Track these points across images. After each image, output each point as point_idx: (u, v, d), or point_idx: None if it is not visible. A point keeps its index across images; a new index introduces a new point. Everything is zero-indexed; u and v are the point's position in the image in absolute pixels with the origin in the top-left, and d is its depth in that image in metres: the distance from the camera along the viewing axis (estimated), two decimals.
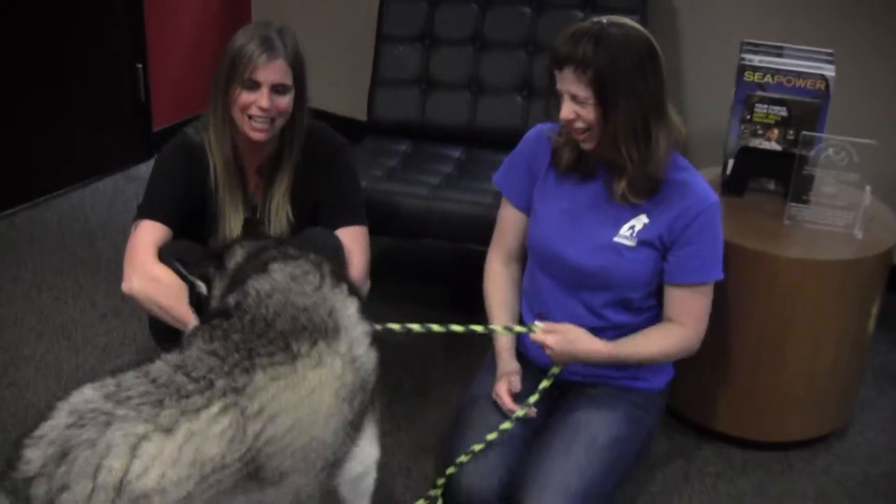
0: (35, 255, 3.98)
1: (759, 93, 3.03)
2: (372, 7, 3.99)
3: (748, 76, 3.04)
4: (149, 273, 2.70)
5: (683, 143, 2.55)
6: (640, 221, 2.53)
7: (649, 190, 2.49)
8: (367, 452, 2.26)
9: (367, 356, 2.16)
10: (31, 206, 4.32)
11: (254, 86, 2.67)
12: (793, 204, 2.99)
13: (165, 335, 2.70)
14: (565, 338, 2.49)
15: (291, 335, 2.03)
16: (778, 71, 3.02)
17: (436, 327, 2.50)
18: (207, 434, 1.83)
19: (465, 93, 3.81)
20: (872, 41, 3.73)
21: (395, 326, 2.49)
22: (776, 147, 3.07)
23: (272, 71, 2.67)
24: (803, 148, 2.96)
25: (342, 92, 4.63)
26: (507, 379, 2.63)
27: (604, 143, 2.45)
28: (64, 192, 4.44)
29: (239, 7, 4.94)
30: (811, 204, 2.99)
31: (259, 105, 2.68)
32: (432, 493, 2.63)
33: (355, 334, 2.13)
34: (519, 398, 2.61)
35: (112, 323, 3.56)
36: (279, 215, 2.85)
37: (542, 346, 2.51)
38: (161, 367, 1.90)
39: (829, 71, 3.00)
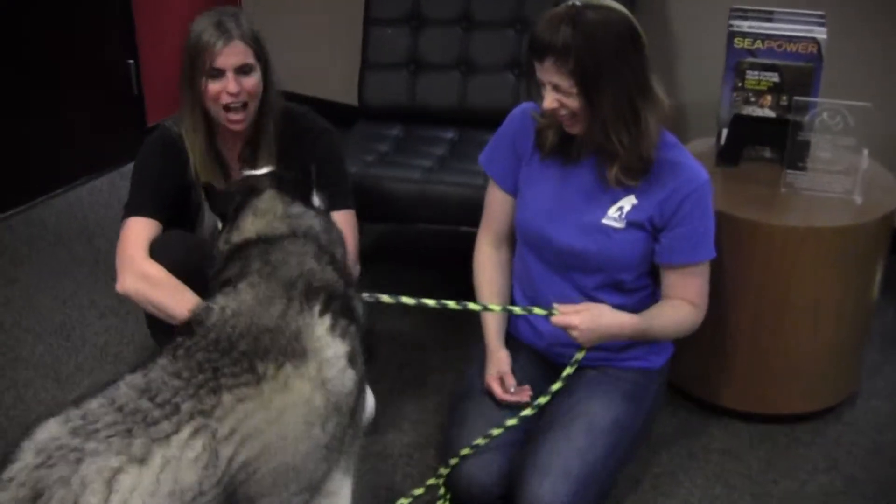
0: (33, 257, 3.96)
1: (750, 59, 2.97)
2: None
3: (738, 43, 2.97)
4: (141, 271, 2.70)
5: (670, 116, 2.49)
6: (629, 202, 2.48)
7: (642, 170, 2.44)
8: (337, 483, 2.16)
9: (341, 378, 2.05)
10: (27, 208, 4.29)
11: (218, 74, 2.68)
12: (789, 171, 2.93)
13: (163, 332, 2.70)
14: (590, 315, 2.45)
15: (256, 356, 1.94)
16: (768, 36, 2.95)
17: (452, 304, 2.49)
18: (182, 460, 1.76)
19: (455, 73, 3.76)
20: (864, 1, 3.65)
21: (386, 298, 2.47)
22: (770, 114, 3.00)
23: (231, 54, 2.67)
24: (797, 113, 2.90)
25: (335, 77, 4.60)
26: (498, 375, 2.59)
27: (593, 131, 2.40)
28: (61, 192, 4.41)
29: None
30: (808, 170, 2.93)
31: (228, 91, 2.69)
32: (432, 482, 2.60)
33: (326, 356, 2.03)
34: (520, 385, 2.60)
35: (111, 321, 3.54)
36: None
37: (565, 330, 2.46)
38: (125, 392, 1.82)
39: (820, 34, 2.93)
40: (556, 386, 2.55)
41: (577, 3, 2.33)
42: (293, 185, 2.35)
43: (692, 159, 2.50)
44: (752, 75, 2.97)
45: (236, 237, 2.25)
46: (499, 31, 3.76)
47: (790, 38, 2.93)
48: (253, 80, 2.72)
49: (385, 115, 3.80)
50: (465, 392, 2.69)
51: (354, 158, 3.45)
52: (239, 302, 2.05)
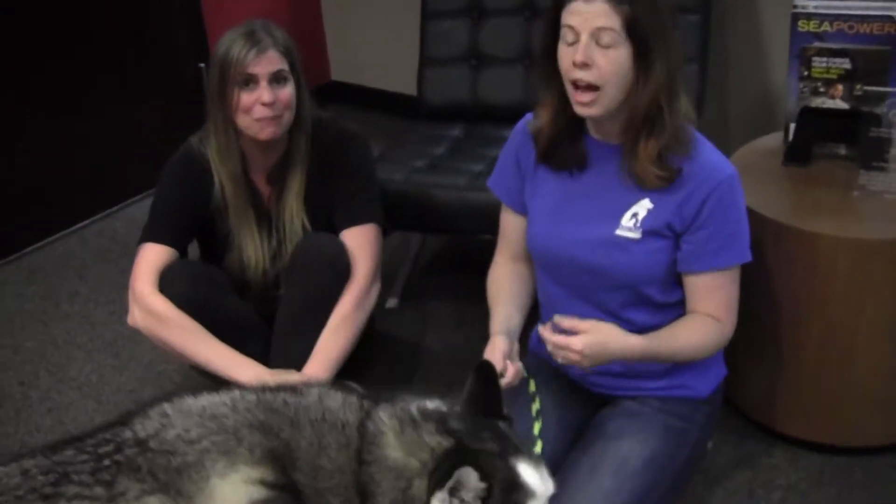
0: (97, 269, 3.93)
1: (817, 44, 2.62)
2: None
3: (802, 25, 2.64)
4: (147, 306, 2.62)
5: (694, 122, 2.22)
6: (644, 208, 2.20)
7: (672, 170, 2.15)
8: None
9: None
10: (102, 218, 4.29)
11: (251, 81, 2.54)
12: (863, 171, 2.57)
13: None
14: (594, 339, 2.13)
15: (127, 471, 1.69)
16: (837, 16, 2.61)
17: None
18: None
19: (519, 67, 3.50)
20: None
21: None
22: (842, 105, 2.66)
23: (265, 62, 2.54)
24: (871, 105, 2.54)
25: (405, 70, 4.44)
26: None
27: (638, 99, 2.10)
28: (136, 200, 4.38)
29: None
30: (886, 170, 2.56)
31: (262, 101, 2.54)
32: None
33: None
34: (553, 411, 2.36)
35: None
36: (294, 224, 2.71)
37: (564, 351, 2.16)
38: None
39: None
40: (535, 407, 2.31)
41: None
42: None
43: (715, 153, 2.21)
44: (819, 62, 2.64)
45: None
46: None
47: (863, 18, 2.59)
48: (287, 91, 2.58)
49: (446, 113, 3.60)
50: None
51: (403, 164, 3.28)
52: (182, 413, 1.78)
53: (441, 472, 1.63)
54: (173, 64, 4.43)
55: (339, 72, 5.01)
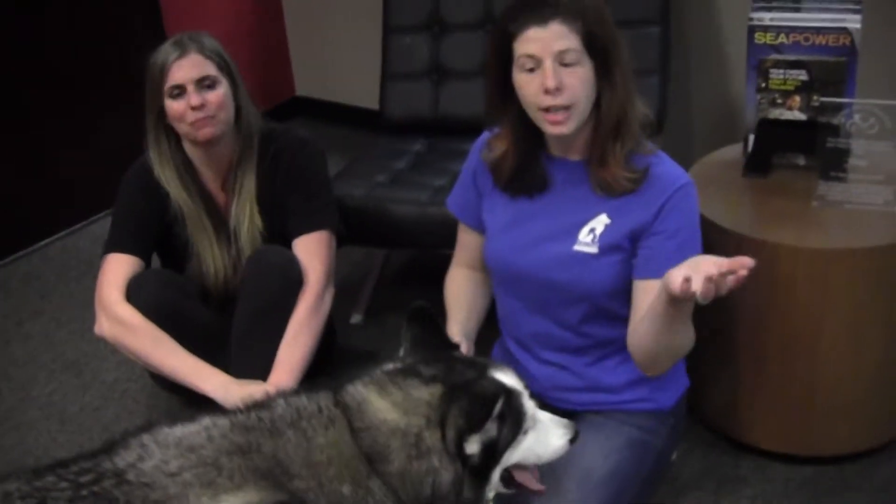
0: (61, 288, 3.90)
1: (774, 56, 2.63)
2: None
3: (759, 38, 2.65)
4: (115, 315, 2.62)
5: (650, 125, 2.23)
6: (601, 223, 2.21)
7: (638, 177, 2.17)
8: None
9: None
10: (65, 236, 4.25)
11: (179, 91, 2.54)
12: (822, 182, 2.58)
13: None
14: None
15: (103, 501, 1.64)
16: (793, 29, 2.62)
17: None
18: None
19: (481, 80, 3.48)
20: None
21: None
22: (800, 116, 2.67)
23: (189, 67, 2.54)
24: (828, 115, 2.56)
25: (370, 84, 4.45)
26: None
27: (605, 111, 2.13)
28: (100, 217, 4.33)
29: (269, 6, 4.77)
30: (844, 180, 2.58)
31: (191, 104, 2.54)
32: None
33: None
34: None
35: (123, 356, 3.35)
36: (251, 230, 2.71)
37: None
38: None
39: (853, 23, 2.58)
40: None
41: None
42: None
43: (671, 165, 2.22)
44: (776, 74, 2.65)
45: None
46: None
47: (818, 30, 2.60)
48: (218, 93, 2.58)
49: (408, 127, 3.59)
50: None
51: (365, 179, 3.27)
52: (166, 446, 1.74)
53: (466, 418, 1.69)
54: (135, 83, 4.39)
55: (304, 87, 5.00)
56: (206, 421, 1.72)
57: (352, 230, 2.98)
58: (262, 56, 4.80)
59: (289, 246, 2.70)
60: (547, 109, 2.11)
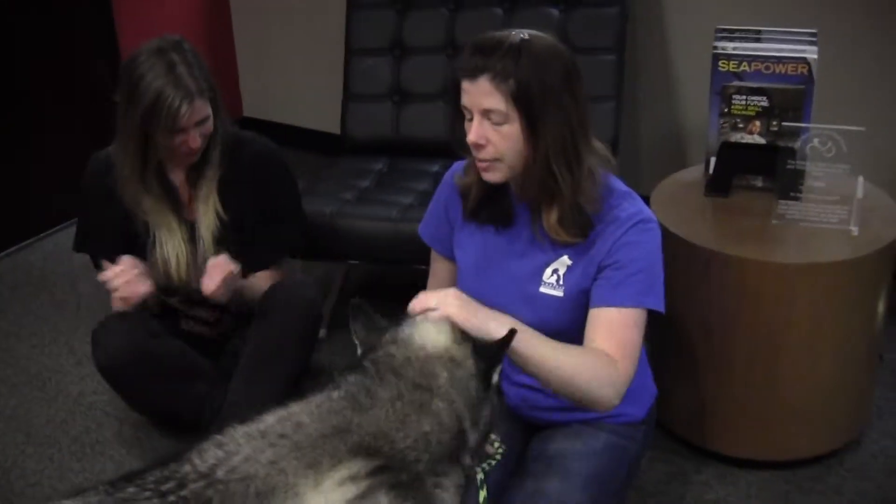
0: (16, 302, 3.88)
1: (736, 83, 2.79)
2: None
3: (722, 66, 2.80)
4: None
5: (613, 164, 2.24)
6: (563, 264, 2.23)
7: (581, 227, 2.17)
8: None
9: None
10: (16, 251, 4.23)
11: (179, 130, 2.60)
12: (781, 201, 2.74)
13: None
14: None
15: None
16: (755, 57, 2.78)
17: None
18: None
19: (440, 102, 3.61)
20: (859, 17, 3.44)
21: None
22: (760, 140, 2.84)
23: (194, 113, 2.58)
24: (786, 139, 2.72)
25: (321, 107, 4.52)
26: None
27: (533, 167, 2.11)
28: (49, 234, 4.34)
29: (219, 28, 4.82)
30: (801, 200, 2.74)
31: (189, 146, 2.62)
32: None
33: None
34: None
35: (87, 369, 3.41)
36: (212, 222, 2.78)
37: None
38: None
39: (811, 53, 2.75)
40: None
41: (521, 31, 2.09)
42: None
43: (633, 204, 2.20)
44: (738, 100, 2.80)
45: None
46: None
47: (779, 59, 2.76)
48: (209, 126, 2.65)
49: (369, 147, 3.69)
50: None
51: (332, 197, 3.34)
52: (252, 437, 1.72)
53: (488, 357, 1.82)
54: (88, 97, 4.40)
55: (251, 108, 5.05)
56: (284, 411, 1.74)
57: (321, 245, 3.06)
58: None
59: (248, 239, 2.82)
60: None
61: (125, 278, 2.62)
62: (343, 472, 1.63)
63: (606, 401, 2.09)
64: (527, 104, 2.05)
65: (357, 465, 1.64)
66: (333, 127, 4.28)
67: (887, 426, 2.99)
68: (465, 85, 2.08)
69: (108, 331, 2.74)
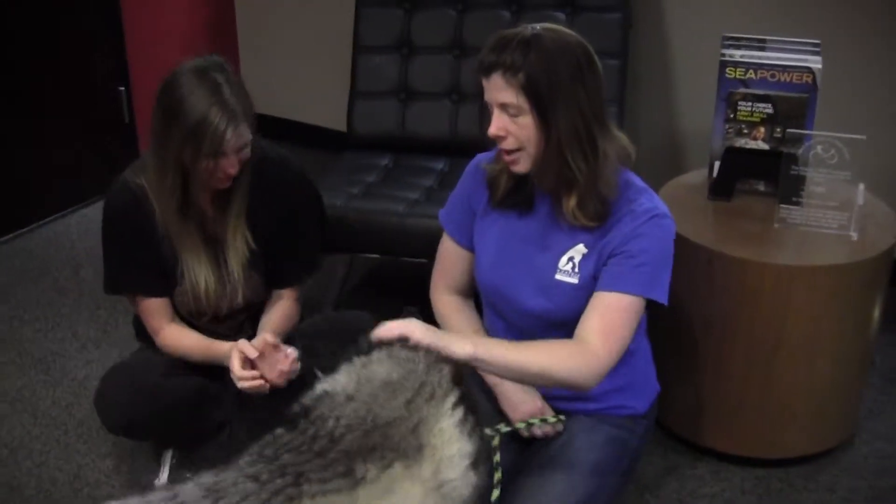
0: (18, 287, 3.91)
1: (742, 90, 2.87)
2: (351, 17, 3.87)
3: (730, 73, 2.88)
4: (170, 347, 2.75)
5: (632, 156, 2.31)
6: (579, 252, 2.31)
7: (599, 213, 2.25)
8: None
9: (461, 480, 1.79)
10: (16, 237, 4.26)
11: (220, 154, 2.49)
12: (782, 206, 2.82)
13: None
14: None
15: (358, 456, 1.69)
16: (761, 66, 2.86)
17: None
18: None
19: (446, 101, 3.67)
20: (862, 29, 3.53)
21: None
22: (763, 146, 2.92)
23: (237, 138, 2.47)
24: (790, 146, 2.80)
25: (326, 103, 4.56)
26: None
27: (548, 155, 2.20)
28: (49, 221, 4.36)
29: (223, 22, 4.85)
30: (802, 205, 2.82)
31: (227, 172, 2.52)
32: None
33: (447, 454, 1.78)
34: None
35: (92, 354, 3.47)
36: (240, 246, 2.70)
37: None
38: (191, 490, 1.65)
39: (815, 63, 2.83)
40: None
41: (536, 25, 2.20)
42: None
43: (652, 200, 2.29)
44: (744, 106, 2.88)
45: None
46: None
47: (784, 68, 2.84)
48: (246, 153, 2.54)
49: (374, 143, 3.73)
50: None
51: (339, 190, 3.38)
52: (360, 382, 1.82)
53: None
54: (92, 86, 4.44)
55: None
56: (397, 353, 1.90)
57: (330, 238, 3.11)
58: None
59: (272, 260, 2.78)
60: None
61: (256, 384, 2.54)
62: (452, 397, 1.80)
63: (585, 384, 2.20)
64: (536, 96, 2.15)
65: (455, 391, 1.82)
66: (335, 123, 4.35)
67: (879, 427, 3.08)
68: (483, 82, 2.20)
69: (112, 392, 2.69)
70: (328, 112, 4.60)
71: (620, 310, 2.23)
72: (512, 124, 2.19)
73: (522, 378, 2.26)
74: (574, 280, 2.31)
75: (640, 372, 2.53)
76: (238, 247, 2.69)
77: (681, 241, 2.70)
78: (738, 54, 2.89)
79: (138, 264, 2.68)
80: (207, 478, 1.68)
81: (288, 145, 4.74)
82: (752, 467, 2.90)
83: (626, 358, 2.32)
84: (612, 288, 2.23)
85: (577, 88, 2.17)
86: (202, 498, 1.62)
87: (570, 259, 2.32)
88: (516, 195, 2.38)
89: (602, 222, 2.27)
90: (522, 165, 2.25)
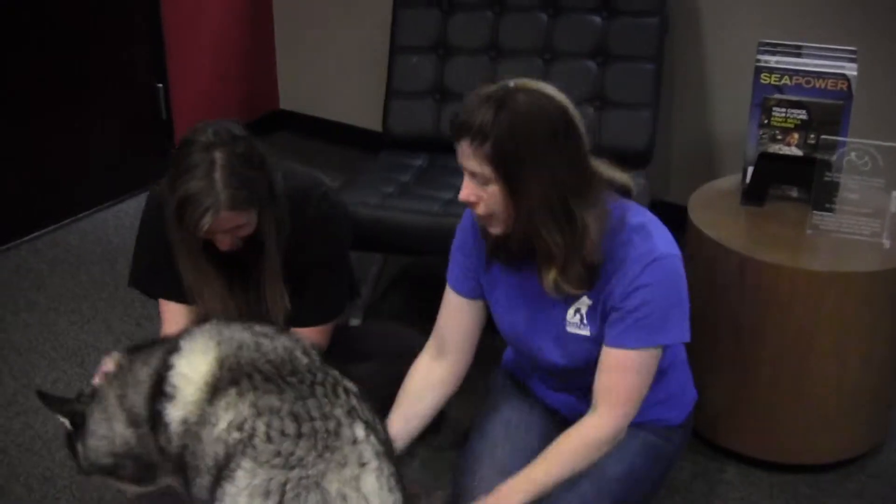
0: (55, 279, 3.96)
1: (777, 96, 2.88)
2: (389, 17, 3.90)
3: (764, 78, 2.88)
4: None
5: (630, 193, 2.26)
6: (584, 304, 2.25)
7: (585, 280, 2.17)
8: None
9: None
10: (54, 230, 4.31)
11: (205, 234, 2.44)
12: (815, 212, 2.82)
13: None
14: None
15: None
16: (796, 72, 2.86)
17: None
18: None
19: None
20: None
21: None
22: (797, 152, 2.91)
23: (220, 223, 2.39)
24: (824, 152, 2.80)
25: (362, 103, 4.59)
26: None
27: (519, 227, 2.13)
28: (86, 215, 4.42)
29: (260, 22, 4.90)
30: (835, 212, 2.82)
31: (218, 246, 2.49)
32: None
33: None
34: (518, 428, 2.48)
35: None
36: (274, 300, 2.61)
37: None
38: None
39: (850, 70, 2.83)
40: None
41: (511, 83, 2.10)
42: None
43: (655, 235, 2.18)
44: (778, 112, 2.88)
45: None
46: (527, 59, 3.70)
47: (819, 75, 2.84)
48: (246, 231, 2.47)
49: (409, 143, 3.76)
50: (477, 433, 2.53)
51: (373, 190, 3.41)
52: None
53: None
54: (130, 82, 4.49)
55: (287, 101, 5.13)
56: None
57: (365, 237, 3.14)
58: (249, 67, 4.92)
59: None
60: None
61: None
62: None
63: (613, 447, 2.28)
64: (504, 167, 2.05)
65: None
66: (370, 123, 4.38)
67: None
68: (455, 145, 2.13)
69: None
70: (364, 111, 4.64)
71: (628, 367, 2.21)
72: (482, 191, 2.11)
73: (554, 488, 2.26)
74: (585, 332, 2.27)
75: (677, 383, 2.51)
76: (279, 307, 2.62)
77: (712, 245, 2.74)
78: (773, 60, 2.89)
79: (157, 265, 2.66)
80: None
81: (322, 144, 4.87)
82: (780, 472, 2.90)
83: (659, 376, 2.32)
84: (616, 344, 2.20)
85: (551, 156, 2.06)
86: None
87: (577, 311, 2.27)
88: (507, 251, 2.29)
89: (591, 287, 2.20)
90: (497, 229, 2.18)
